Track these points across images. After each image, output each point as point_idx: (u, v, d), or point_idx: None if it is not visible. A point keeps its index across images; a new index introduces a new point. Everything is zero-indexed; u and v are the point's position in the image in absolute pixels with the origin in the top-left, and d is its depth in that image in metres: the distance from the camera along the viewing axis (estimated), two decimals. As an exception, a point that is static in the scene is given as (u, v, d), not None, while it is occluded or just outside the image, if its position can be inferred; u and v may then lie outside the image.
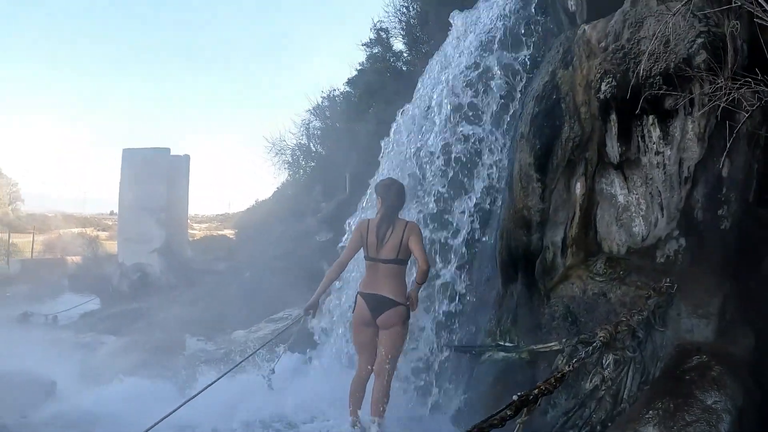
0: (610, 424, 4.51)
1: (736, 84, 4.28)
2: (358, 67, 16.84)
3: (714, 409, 4.08)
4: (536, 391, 3.08)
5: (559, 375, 3.32)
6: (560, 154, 5.42)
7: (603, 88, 5.05)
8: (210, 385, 4.50)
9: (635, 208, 5.16)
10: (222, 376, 4.70)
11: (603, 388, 4.62)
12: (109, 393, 7.32)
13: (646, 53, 4.65)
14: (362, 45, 16.50)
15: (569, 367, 3.49)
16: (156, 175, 17.61)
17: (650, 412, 4.18)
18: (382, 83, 14.18)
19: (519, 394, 3.01)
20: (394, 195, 5.53)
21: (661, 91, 4.67)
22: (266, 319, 10.18)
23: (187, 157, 18.68)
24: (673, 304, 4.70)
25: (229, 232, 23.82)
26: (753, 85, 4.16)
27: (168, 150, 18.02)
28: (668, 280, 4.69)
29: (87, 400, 7.13)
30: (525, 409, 3.07)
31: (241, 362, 5.06)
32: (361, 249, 5.59)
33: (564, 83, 5.46)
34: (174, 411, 4.01)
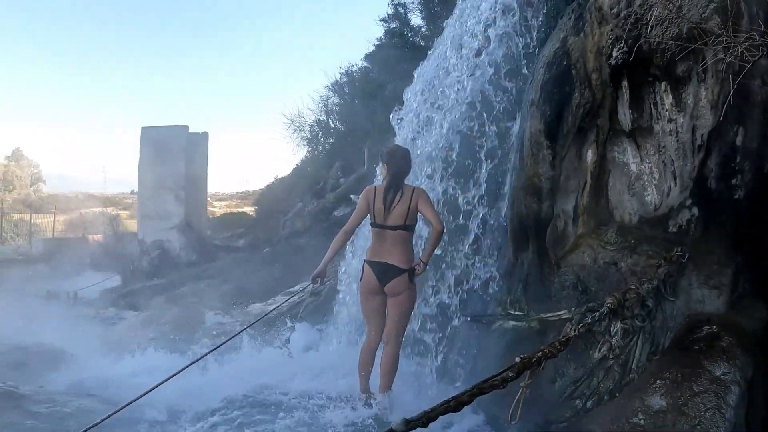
0: (618, 394, 4.47)
1: (750, 50, 4.19)
2: (376, 43, 16.83)
3: (722, 380, 4.03)
4: (540, 354, 3.06)
5: (563, 339, 3.29)
6: (570, 121, 5.35)
7: (614, 54, 4.96)
8: (195, 362, 4.53)
9: (648, 177, 5.08)
10: (208, 352, 4.71)
11: (611, 357, 4.58)
12: (125, 364, 7.48)
13: (656, 18, 4.57)
14: (380, 20, 16.47)
15: (574, 331, 3.46)
16: (174, 153, 17.70)
17: (657, 381, 4.14)
18: (400, 58, 14.13)
19: (522, 355, 2.99)
20: (399, 160, 5.49)
21: (674, 56, 4.57)
22: (283, 292, 10.29)
23: (205, 134, 18.73)
24: (684, 274, 4.63)
25: (248, 210, 23.98)
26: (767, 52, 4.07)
27: (186, 127, 18.08)
28: (679, 249, 4.62)
29: (104, 370, 7.26)
30: (528, 372, 3.05)
31: (230, 339, 5.06)
32: (368, 216, 5.58)
33: (575, 50, 5.38)
34: (155, 387, 4.02)
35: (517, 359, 2.92)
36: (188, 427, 5.57)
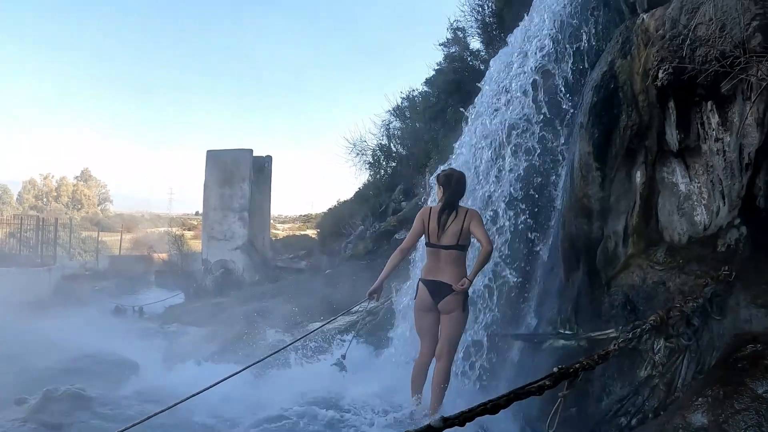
0: (662, 413, 4.47)
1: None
2: (436, 67, 16.99)
3: (764, 398, 3.98)
4: (578, 365, 3.13)
5: (603, 353, 3.36)
6: (619, 143, 5.43)
7: (660, 75, 5.02)
8: (232, 375, 4.77)
9: (697, 197, 5.11)
10: (244, 369, 4.94)
11: (657, 375, 4.59)
12: (187, 374, 7.75)
13: (699, 38, 4.63)
14: (439, 45, 16.65)
15: (614, 346, 3.52)
16: (239, 176, 18.12)
17: (700, 399, 4.14)
18: (460, 82, 14.25)
19: (559, 366, 3.07)
20: (455, 183, 5.64)
21: (718, 76, 4.60)
22: (343, 312, 10.44)
23: (269, 158, 19.13)
24: (732, 294, 4.62)
25: (311, 232, 24.32)
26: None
27: (251, 151, 18.49)
28: (726, 268, 4.62)
29: (166, 379, 7.56)
30: (566, 382, 3.13)
31: (269, 356, 5.27)
32: (423, 236, 5.73)
33: (622, 72, 5.45)
34: (196, 394, 4.27)
35: (555, 369, 3.00)
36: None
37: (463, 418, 2.45)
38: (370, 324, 9.10)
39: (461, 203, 5.70)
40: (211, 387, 4.30)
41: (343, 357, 6.98)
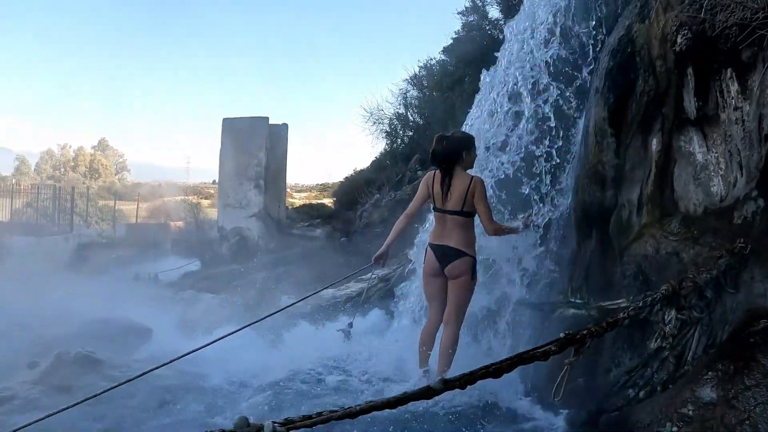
0: (671, 385, 4.41)
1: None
2: (454, 36, 16.81)
3: (774, 375, 3.93)
4: (585, 332, 3.06)
5: (611, 320, 3.28)
6: (635, 109, 5.30)
7: (679, 40, 4.88)
8: (215, 341, 4.76)
9: (714, 167, 4.97)
10: (226, 335, 4.90)
11: (667, 348, 4.51)
12: (198, 340, 7.77)
13: (720, 3, 4.48)
14: (458, 13, 16.46)
15: (624, 314, 3.45)
16: (255, 144, 18.03)
17: (710, 373, 4.06)
18: (479, 51, 14.07)
19: (566, 332, 3.01)
20: (446, 146, 5.56)
21: (738, 42, 4.46)
22: (355, 279, 10.45)
23: (285, 126, 19.01)
24: (746, 267, 4.51)
25: (327, 201, 24.25)
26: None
27: (267, 119, 18.38)
28: (742, 240, 4.50)
29: (178, 344, 7.59)
30: (572, 349, 3.06)
31: (253, 323, 5.25)
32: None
33: (640, 36, 5.31)
34: (166, 364, 4.27)
35: (561, 334, 2.94)
36: (252, 396, 5.88)
37: (464, 381, 2.40)
38: (382, 290, 9.09)
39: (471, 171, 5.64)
40: (202, 347, 4.29)
41: (350, 325, 6.99)
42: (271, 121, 18.47)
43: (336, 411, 1.89)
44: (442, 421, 5.05)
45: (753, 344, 4.12)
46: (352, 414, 1.90)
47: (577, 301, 5.50)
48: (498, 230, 5.55)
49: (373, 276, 8.68)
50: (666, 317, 4.47)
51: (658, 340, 4.55)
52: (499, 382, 5.46)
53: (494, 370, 2.43)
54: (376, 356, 6.65)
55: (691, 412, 3.97)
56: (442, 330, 5.65)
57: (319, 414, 1.86)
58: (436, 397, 5.19)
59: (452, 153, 5.54)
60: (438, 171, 5.62)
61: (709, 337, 4.46)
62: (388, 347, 6.79)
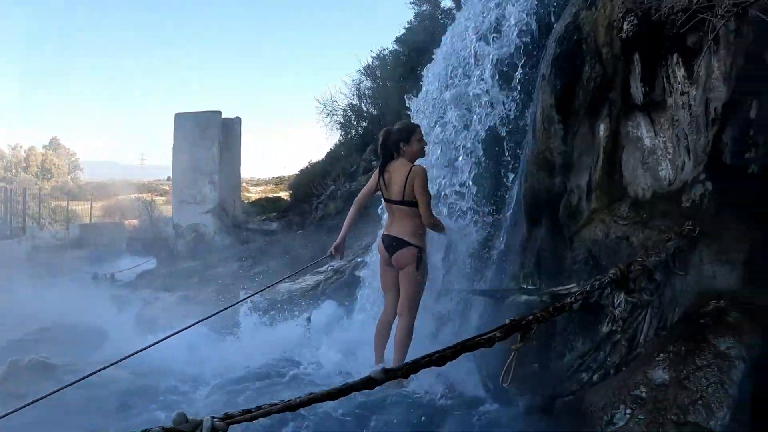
0: (624, 368, 4.45)
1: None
2: (407, 26, 16.84)
3: (726, 355, 3.97)
4: (530, 317, 3.06)
5: (558, 305, 3.30)
6: (582, 96, 5.33)
7: (625, 27, 4.90)
8: (164, 339, 4.69)
9: (662, 152, 5.02)
10: (180, 330, 4.84)
11: (619, 331, 4.56)
12: (156, 339, 7.70)
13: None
14: (411, 3, 16.51)
15: (571, 299, 3.47)
16: (208, 138, 17.86)
17: (661, 355, 4.12)
18: (431, 41, 14.11)
19: (511, 317, 3.01)
20: (383, 137, 5.61)
21: (684, 27, 4.51)
22: (312, 272, 10.43)
23: (238, 120, 18.85)
24: (696, 249, 4.58)
25: (284, 194, 24.10)
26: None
27: (219, 113, 18.21)
28: (690, 223, 4.56)
29: (136, 345, 7.48)
30: (519, 334, 3.06)
31: (210, 317, 5.16)
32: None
33: (586, 24, 5.34)
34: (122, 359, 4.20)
35: (507, 321, 2.94)
36: (210, 394, 5.84)
37: (407, 370, 2.38)
38: (337, 282, 9.08)
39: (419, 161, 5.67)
40: (151, 346, 4.22)
41: (308, 319, 6.96)
42: (223, 115, 18.31)
43: (276, 404, 1.85)
44: (405, 409, 5.08)
45: (703, 325, 4.19)
46: (291, 407, 1.87)
47: (529, 287, 5.53)
48: (436, 224, 5.56)
49: (329, 268, 8.66)
50: (616, 301, 4.52)
51: (609, 323, 4.60)
52: (460, 370, 5.54)
53: (438, 359, 2.42)
54: (333, 349, 6.64)
55: (644, 394, 4.02)
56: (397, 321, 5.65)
57: (259, 408, 1.82)
58: (405, 387, 5.28)
59: (391, 145, 5.59)
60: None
61: (660, 319, 4.52)
62: (344, 339, 6.79)
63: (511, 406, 5.09)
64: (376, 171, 5.73)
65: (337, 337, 7.02)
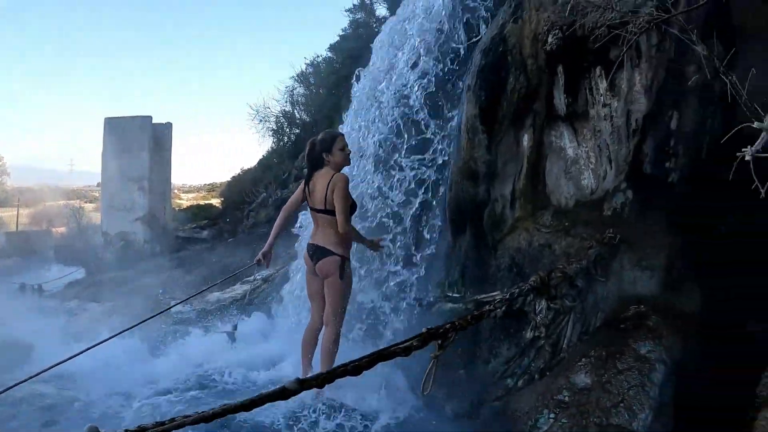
0: (548, 373, 4.54)
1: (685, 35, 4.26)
2: (341, 33, 16.89)
3: (647, 358, 4.11)
4: (448, 326, 3.08)
5: (476, 314, 3.34)
6: (506, 106, 5.44)
7: (550, 40, 5.03)
8: (86, 350, 4.54)
9: (584, 161, 5.16)
10: (103, 341, 4.70)
11: (542, 337, 4.65)
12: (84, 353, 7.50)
13: (591, 4, 4.65)
14: (346, 10, 16.56)
15: (489, 307, 3.52)
16: (138, 144, 17.58)
17: (583, 360, 4.23)
18: (365, 49, 14.17)
19: (428, 327, 3.03)
20: (309, 146, 5.62)
21: (607, 42, 4.64)
22: (241, 281, 10.32)
23: (169, 125, 18.62)
24: (616, 256, 4.71)
25: (215, 201, 23.83)
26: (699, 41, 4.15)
27: (150, 118, 17.95)
28: (611, 231, 4.70)
29: (62, 358, 7.30)
30: (436, 343, 3.08)
31: (133, 327, 5.06)
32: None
33: (512, 36, 5.46)
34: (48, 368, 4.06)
35: (424, 330, 2.95)
36: (137, 407, 5.70)
37: (321, 380, 2.37)
38: (266, 291, 9.01)
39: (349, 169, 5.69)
40: (69, 359, 4.06)
41: (234, 327, 6.89)
42: (154, 120, 18.04)
43: (190, 416, 1.83)
44: (330, 415, 5.07)
45: (624, 330, 4.32)
46: (206, 418, 1.85)
47: (455, 295, 5.59)
48: (349, 234, 5.52)
49: (257, 278, 8.59)
50: (537, 308, 4.61)
51: (532, 330, 4.68)
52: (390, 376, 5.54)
53: (353, 368, 2.41)
54: (260, 358, 6.58)
55: (567, 398, 4.12)
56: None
57: (172, 420, 1.80)
58: (324, 400, 5.24)
59: (316, 154, 5.59)
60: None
61: (583, 324, 4.63)
62: (272, 348, 6.74)
63: (439, 412, 5.12)
64: (305, 179, 5.72)
65: (265, 346, 6.97)
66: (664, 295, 4.64)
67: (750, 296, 4.29)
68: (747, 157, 2.38)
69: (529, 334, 4.71)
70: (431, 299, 5.75)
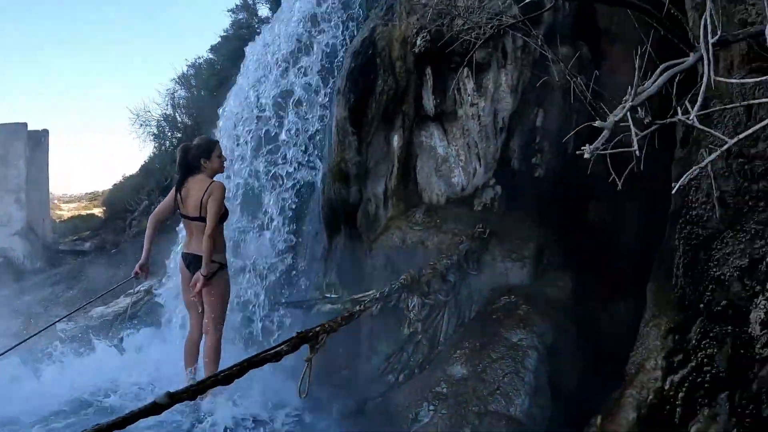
0: (427, 367, 4.66)
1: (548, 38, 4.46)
2: (222, 34, 16.63)
3: (519, 346, 4.29)
4: (318, 328, 3.13)
5: (347, 314, 3.41)
6: (375, 108, 5.54)
7: (419, 42, 5.17)
8: None
9: (454, 159, 5.32)
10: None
11: (420, 332, 4.77)
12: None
13: (459, 8, 4.81)
14: (228, 11, 16.30)
15: (359, 307, 3.60)
16: (13, 152, 16.71)
17: (458, 351, 4.37)
18: (246, 49, 14.05)
19: (298, 331, 3.06)
20: (181, 153, 5.50)
21: (474, 45, 4.78)
22: (125, 294, 10.04)
23: (45, 132, 17.80)
24: (488, 249, 4.89)
25: (98, 211, 22.98)
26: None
27: (25, 125, 17.10)
28: (481, 225, 4.88)
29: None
30: (308, 346, 3.12)
31: (13, 348, 4.91)
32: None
33: (382, 39, 5.56)
34: None
35: (294, 334, 2.99)
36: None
37: (193, 392, 2.36)
38: (149, 303, 8.81)
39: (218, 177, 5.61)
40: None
41: (121, 341, 6.72)
42: (30, 127, 17.22)
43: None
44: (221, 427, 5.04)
45: (496, 320, 4.49)
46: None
47: (333, 295, 5.63)
48: (215, 242, 5.41)
49: (140, 289, 8.39)
50: (410, 304, 4.73)
51: (408, 326, 4.79)
52: (276, 380, 5.55)
53: (224, 377, 2.42)
54: (149, 372, 6.43)
55: (445, 390, 4.25)
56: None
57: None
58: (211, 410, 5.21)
59: (191, 160, 5.47)
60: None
61: (459, 317, 4.78)
62: (157, 361, 6.60)
63: (326, 414, 5.16)
64: (176, 186, 5.56)
65: (149, 359, 6.80)
66: (535, 284, 4.86)
67: (616, 280, 4.57)
68: (586, 155, 2.51)
69: (406, 331, 4.82)
70: (312, 301, 5.78)
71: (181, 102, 17.38)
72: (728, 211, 3.17)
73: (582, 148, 2.59)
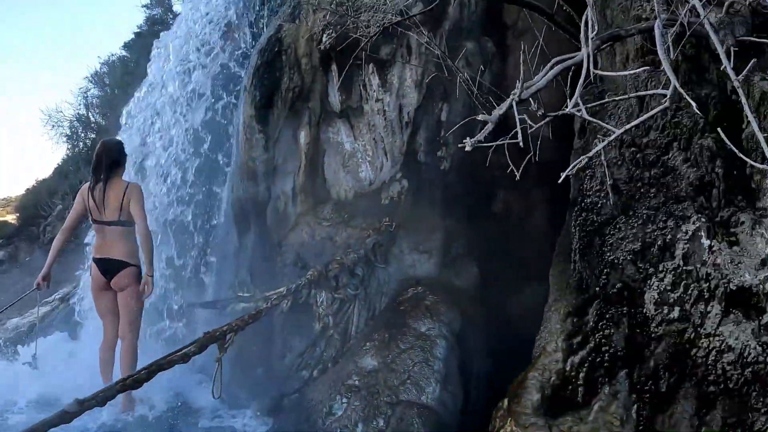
0: (340, 360, 4.71)
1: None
2: (136, 30, 16.29)
3: (428, 336, 4.39)
4: (225, 328, 3.16)
5: (254, 313, 3.44)
6: (281, 105, 5.55)
7: (324, 39, 5.21)
8: None
9: (362, 155, 5.39)
10: None
11: (331, 326, 4.82)
12: None
13: (365, 5, 4.89)
14: (142, 6, 15.96)
15: (267, 304, 3.63)
16: None
17: (368, 344, 4.44)
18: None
19: (205, 331, 3.08)
20: (100, 153, 5.36)
21: (379, 41, 4.87)
22: (40, 303, 9.78)
23: (-47, 138, 17.22)
24: (395, 242, 4.99)
25: (11, 218, 22.21)
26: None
27: (-71, 131, 16.52)
28: (387, 219, 4.97)
29: None
30: (217, 345, 3.15)
31: None
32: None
33: (288, 36, 5.57)
34: None
35: (202, 334, 3.01)
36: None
37: (101, 398, 2.37)
38: (64, 311, 8.60)
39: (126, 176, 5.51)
40: None
41: (34, 355, 6.54)
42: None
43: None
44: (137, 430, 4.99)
45: (404, 311, 4.59)
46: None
47: (245, 294, 5.62)
48: (149, 242, 5.34)
49: (55, 298, 8.19)
50: (319, 299, 4.78)
51: (319, 320, 4.85)
52: (189, 383, 5.51)
53: (132, 382, 2.44)
54: (65, 382, 6.27)
55: (357, 382, 4.32)
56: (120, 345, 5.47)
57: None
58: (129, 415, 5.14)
59: (112, 162, 5.32)
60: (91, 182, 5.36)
61: (369, 310, 4.86)
62: (75, 370, 6.46)
63: (243, 413, 5.16)
64: (81, 193, 5.32)
65: (66, 369, 6.65)
66: (442, 274, 4.98)
67: (525, 265, 4.72)
68: (468, 148, 2.59)
69: (317, 326, 4.86)
70: (225, 301, 5.76)
71: (94, 101, 16.92)
72: (621, 197, 3.34)
73: (464, 141, 2.66)
